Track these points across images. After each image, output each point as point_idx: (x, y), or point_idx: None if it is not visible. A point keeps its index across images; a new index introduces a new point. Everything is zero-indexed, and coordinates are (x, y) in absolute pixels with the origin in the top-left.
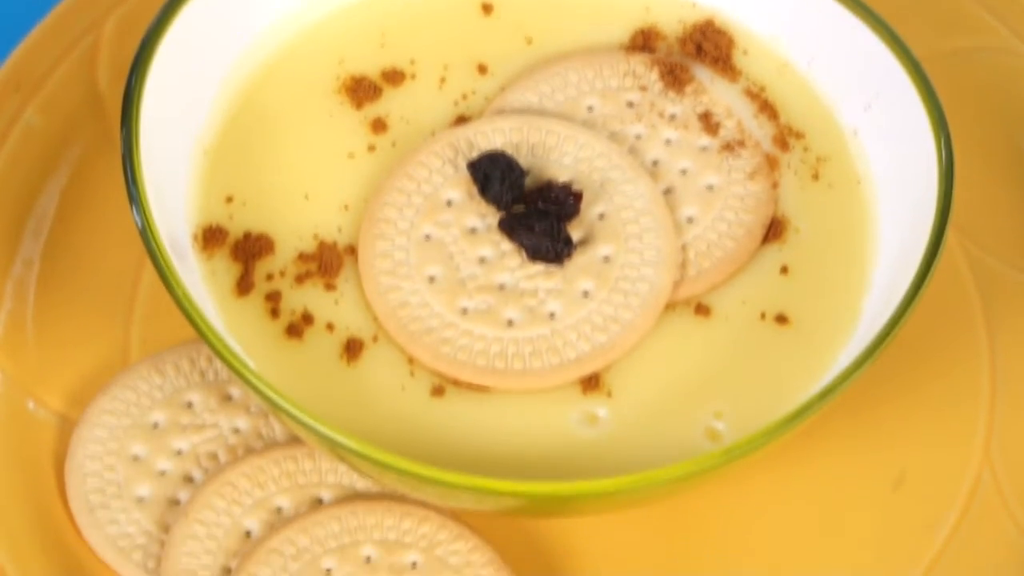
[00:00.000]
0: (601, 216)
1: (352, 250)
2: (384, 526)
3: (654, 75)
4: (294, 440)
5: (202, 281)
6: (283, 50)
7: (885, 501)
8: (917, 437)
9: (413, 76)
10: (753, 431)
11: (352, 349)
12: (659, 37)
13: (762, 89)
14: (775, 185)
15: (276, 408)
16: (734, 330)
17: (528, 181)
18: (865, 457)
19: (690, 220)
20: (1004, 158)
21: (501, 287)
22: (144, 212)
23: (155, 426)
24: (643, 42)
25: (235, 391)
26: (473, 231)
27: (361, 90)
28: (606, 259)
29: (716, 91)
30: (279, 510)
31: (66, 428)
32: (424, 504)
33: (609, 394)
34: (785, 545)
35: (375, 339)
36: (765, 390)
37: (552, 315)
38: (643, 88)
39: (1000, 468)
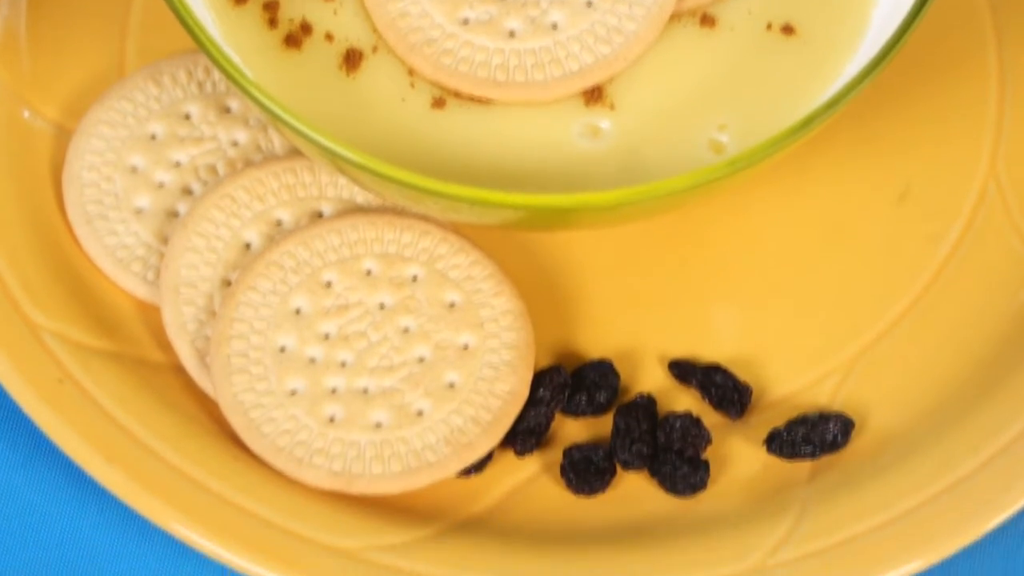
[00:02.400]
0: None
1: None
2: (384, 240)
3: None
4: (294, 153)
5: None
6: None
7: (889, 214)
8: (923, 150)
9: None
10: (757, 143)
11: (351, 60)
12: None
13: None
14: None
15: (275, 119)
16: (740, 41)
17: None
18: (870, 170)
19: None
20: None
21: None
22: None
23: (153, 137)
24: None
25: (234, 103)
26: None
27: None
28: None
29: None
30: (279, 223)
31: (62, 138)
32: (425, 218)
33: (612, 106)
34: (787, 259)
35: (375, 50)
36: (770, 101)
37: (555, 26)
38: None
39: (1005, 181)
